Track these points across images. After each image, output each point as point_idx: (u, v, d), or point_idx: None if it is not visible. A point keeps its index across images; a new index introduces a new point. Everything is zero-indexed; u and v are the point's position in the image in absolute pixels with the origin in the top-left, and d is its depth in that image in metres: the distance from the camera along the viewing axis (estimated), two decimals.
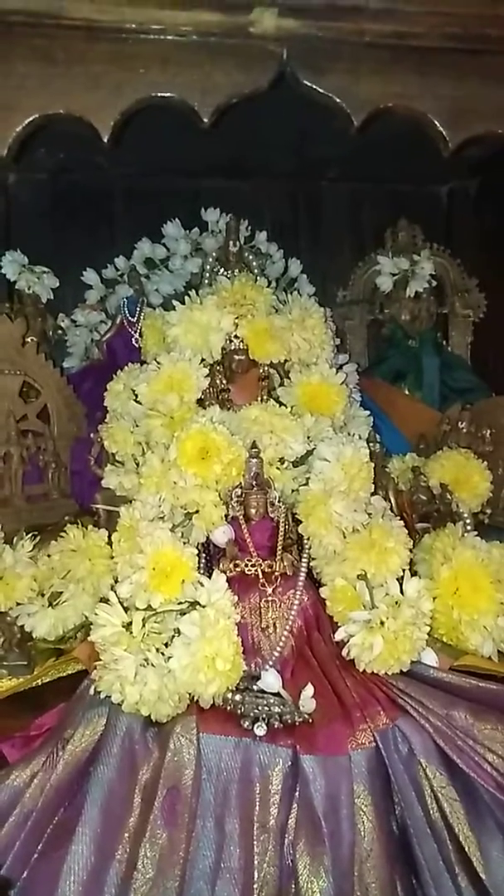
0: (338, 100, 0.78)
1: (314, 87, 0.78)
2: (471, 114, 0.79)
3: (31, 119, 0.74)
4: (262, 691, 0.68)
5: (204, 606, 0.67)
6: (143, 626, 0.66)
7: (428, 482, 0.97)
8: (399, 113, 0.80)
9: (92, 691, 0.66)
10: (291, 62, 0.77)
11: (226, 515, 0.80)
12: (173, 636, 0.67)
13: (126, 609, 0.68)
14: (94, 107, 0.75)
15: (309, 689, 0.66)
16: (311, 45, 0.77)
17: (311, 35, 0.77)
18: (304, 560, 0.80)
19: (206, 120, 0.77)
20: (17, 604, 0.80)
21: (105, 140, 0.76)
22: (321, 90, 0.78)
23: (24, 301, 1.30)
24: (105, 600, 0.69)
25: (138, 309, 1.28)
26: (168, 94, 0.77)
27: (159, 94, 0.77)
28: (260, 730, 0.64)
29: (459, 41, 0.78)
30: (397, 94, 0.78)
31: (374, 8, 0.76)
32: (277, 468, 0.85)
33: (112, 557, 0.81)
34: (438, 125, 0.79)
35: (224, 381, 0.97)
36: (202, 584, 0.69)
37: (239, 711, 0.65)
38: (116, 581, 0.79)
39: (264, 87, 0.77)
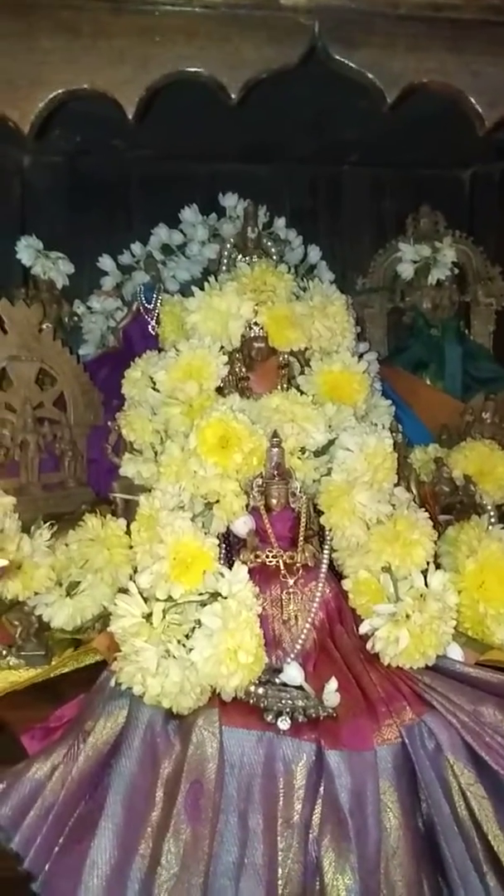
0: (370, 75, 0.75)
1: (346, 61, 0.75)
2: None
3: (54, 94, 0.72)
4: (285, 684, 0.67)
5: (225, 598, 0.66)
6: (164, 617, 0.65)
7: (451, 473, 0.95)
8: (434, 90, 0.77)
9: (112, 683, 0.65)
10: (323, 36, 0.75)
11: (246, 505, 0.79)
12: (194, 627, 0.66)
13: (146, 599, 0.67)
14: (120, 82, 0.73)
15: (333, 683, 0.65)
16: (343, 18, 0.75)
17: (344, 7, 0.74)
18: (325, 551, 0.78)
19: (234, 96, 0.75)
20: (35, 593, 0.80)
21: (130, 117, 0.74)
22: (354, 65, 0.75)
23: (40, 287, 1.29)
24: (124, 591, 0.68)
25: (155, 295, 1.26)
26: (195, 69, 0.74)
27: (186, 69, 0.74)
28: (283, 724, 0.63)
29: (498, 14, 0.74)
30: (433, 70, 0.75)
31: None
32: (299, 458, 0.83)
33: (131, 547, 0.80)
34: (475, 102, 0.76)
35: (243, 369, 0.95)
36: (223, 575, 0.68)
37: (262, 705, 0.64)
38: (135, 571, 0.78)
39: (295, 61, 0.75)
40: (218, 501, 0.78)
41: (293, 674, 0.68)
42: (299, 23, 0.75)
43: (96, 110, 0.79)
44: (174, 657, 0.63)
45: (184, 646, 0.64)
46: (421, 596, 0.70)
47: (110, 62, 0.73)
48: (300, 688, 0.67)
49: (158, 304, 1.22)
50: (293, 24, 0.75)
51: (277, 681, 0.67)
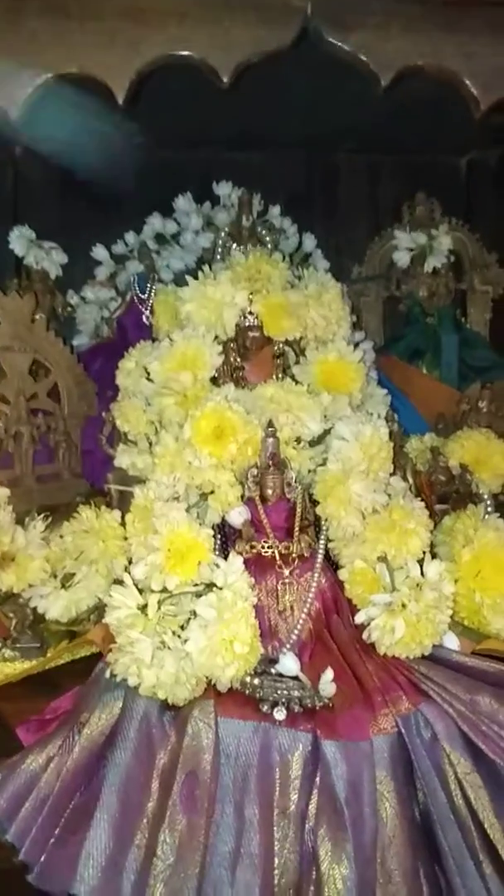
0: (364, 58, 0.74)
1: (340, 44, 0.74)
2: None
3: (43, 78, 0.71)
4: (281, 675, 0.67)
5: (220, 588, 0.66)
6: (159, 608, 0.65)
7: (447, 463, 0.94)
8: (429, 72, 0.76)
9: (107, 674, 0.65)
10: (316, 17, 0.74)
11: (241, 496, 0.78)
12: (189, 619, 0.65)
13: (141, 591, 0.66)
14: (110, 65, 0.72)
15: (329, 673, 0.65)
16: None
17: None
18: (321, 541, 0.78)
19: (225, 79, 0.74)
20: (30, 585, 0.79)
21: (120, 101, 0.73)
22: (347, 48, 0.74)
23: (33, 277, 1.28)
24: (119, 582, 0.68)
25: (149, 285, 1.26)
26: (186, 52, 0.73)
27: (177, 52, 0.73)
28: (279, 714, 0.62)
29: None
30: (427, 53, 0.74)
31: None
32: (294, 448, 0.83)
33: (125, 538, 0.80)
34: (470, 85, 0.75)
35: (238, 359, 0.94)
36: (218, 566, 0.68)
37: (258, 695, 0.64)
38: (130, 562, 0.77)
39: (287, 43, 0.74)
40: (213, 492, 0.78)
41: (289, 664, 0.67)
42: (292, 4, 0.73)
43: (89, 99, 0.78)
44: (169, 648, 0.63)
45: (179, 637, 0.64)
46: (417, 585, 0.70)
47: (100, 45, 0.72)
48: (296, 678, 0.66)
49: (152, 294, 1.22)
50: (285, 6, 0.74)
51: (273, 671, 0.67)
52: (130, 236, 1.32)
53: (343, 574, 0.76)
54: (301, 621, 0.73)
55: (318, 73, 0.87)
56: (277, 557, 0.75)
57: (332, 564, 0.79)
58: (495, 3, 0.74)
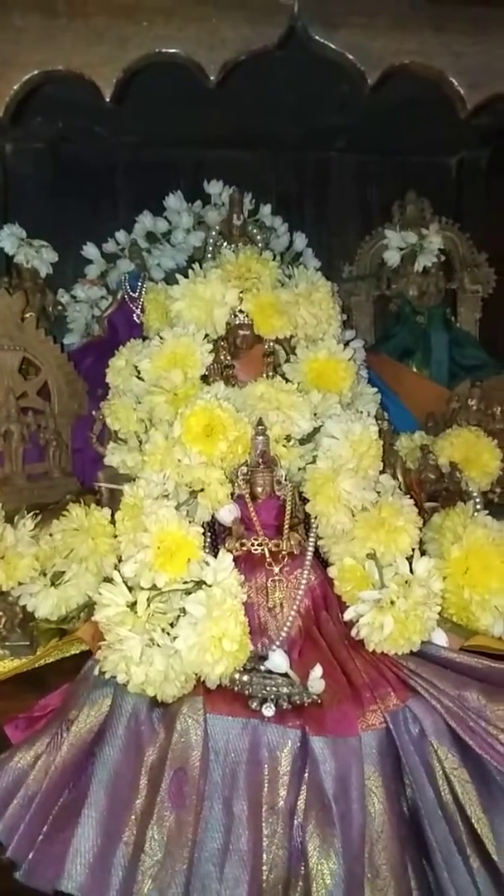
0: (351, 56, 0.74)
1: (326, 42, 0.74)
2: (491, 72, 0.75)
3: (29, 76, 0.71)
4: (270, 672, 0.67)
5: (210, 586, 0.66)
6: (148, 605, 0.65)
7: (437, 460, 0.95)
8: (415, 71, 0.76)
9: (96, 672, 0.65)
10: (303, 16, 0.73)
11: (231, 494, 0.78)
12: (178, 616, 0.65)
13: (130, 588, 0.67)
14: (97, 63, 0.71)
15: (318, 670, 0.65)
16: None
17: None
18: (310, 539, 0.78)
19: (212, 77, 0.74)
20: (19, 583, 0.79)
21: (107, 99, 0.73)
22: (334, 46, 0.74)
23: (23, 276, 1.27)
24: (109, 580, 0.68)
25: (139, 284, 1.25)
26: (173, 50, 0.73)
27: (164, 50, 0.73)
28: (268, 711, 0.63)
29: None
30: (414, 51, 0.74)
31: None
32: (284, 446, 0.83)
33: (115, 536, 0.80)
34: (456, 84, 0.75)
35: (228, 357, 0.95)
36: (208, 564, 0.68)
37: (247, 692, 0.64)
38: (120, 560, 0.77)
39: (274, 42, 0.74)
40: (203, 490, 0.78)
41: (278, 661, 0.67)
42: (278, 3, 0.73)
43: (78, 95, 0.77)
44: (158, 645, 0.63)
45: (168, 634, 0.64)
46: (406, 582, 0.70)
47: (87, 42, 0.71)
48: (285, 675, 0.66)
49: (143, 292, 1.22)
50: (272, 4, 0.73)
51: (262, 668, 0.67)
52: (121, 235, 1.32)
53: (332, 571, 0.76)
54: (290, 618, 0.73)
55: (308, 73, 0.87)
56: (267, 555, 0.76)
57: (321, 562, 0.79)
58: (482, 2, 0.74)
